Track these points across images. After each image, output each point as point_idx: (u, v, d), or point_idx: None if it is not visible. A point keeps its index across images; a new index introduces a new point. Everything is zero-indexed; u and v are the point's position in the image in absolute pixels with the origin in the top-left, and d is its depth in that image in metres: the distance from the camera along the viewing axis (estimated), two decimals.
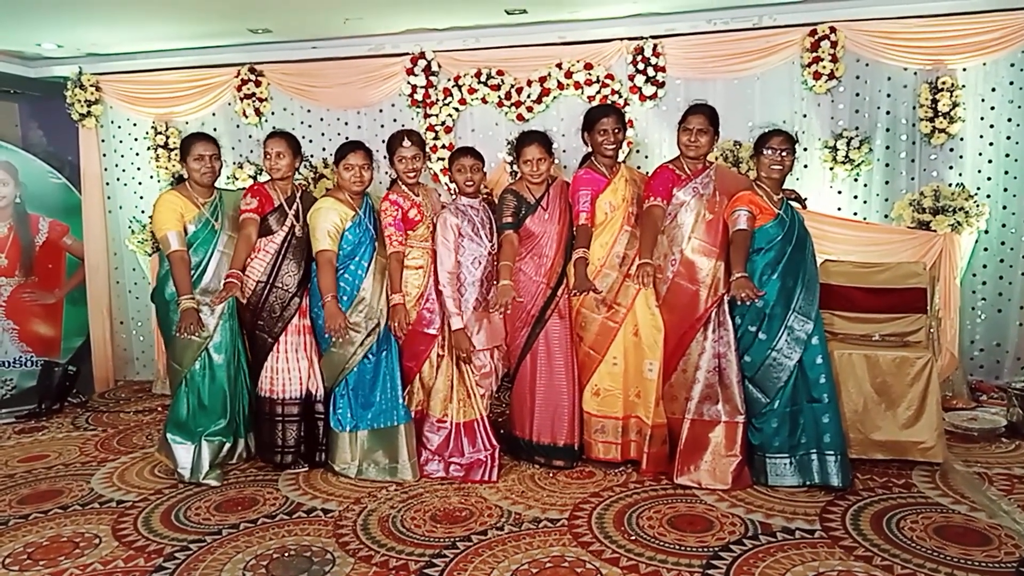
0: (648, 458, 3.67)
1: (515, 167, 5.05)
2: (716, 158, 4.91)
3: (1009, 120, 4.79)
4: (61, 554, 3.05)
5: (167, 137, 5.78)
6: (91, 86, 5.78)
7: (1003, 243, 4.88)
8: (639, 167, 4.95)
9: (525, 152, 3.79)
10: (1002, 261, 4.90)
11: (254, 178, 5.56)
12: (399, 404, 3.74)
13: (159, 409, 5.24)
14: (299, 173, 5.42)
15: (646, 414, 3.68)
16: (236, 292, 3.63)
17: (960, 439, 4.08)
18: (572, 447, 3.80)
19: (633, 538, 3.03)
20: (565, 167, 5.13)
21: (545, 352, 3.80)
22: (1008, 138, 4.80)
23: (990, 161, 4.84)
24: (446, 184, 5.32)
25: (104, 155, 5.99)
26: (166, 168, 5.82)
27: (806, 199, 3.97)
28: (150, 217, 5.67)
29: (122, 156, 6.01)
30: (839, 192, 5.02)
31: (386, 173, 5.28)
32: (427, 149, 4.57)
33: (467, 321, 3.74)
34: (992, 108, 4.80)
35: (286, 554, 2.99)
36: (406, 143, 3.78)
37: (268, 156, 3.86)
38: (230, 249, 3.78)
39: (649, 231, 3.57)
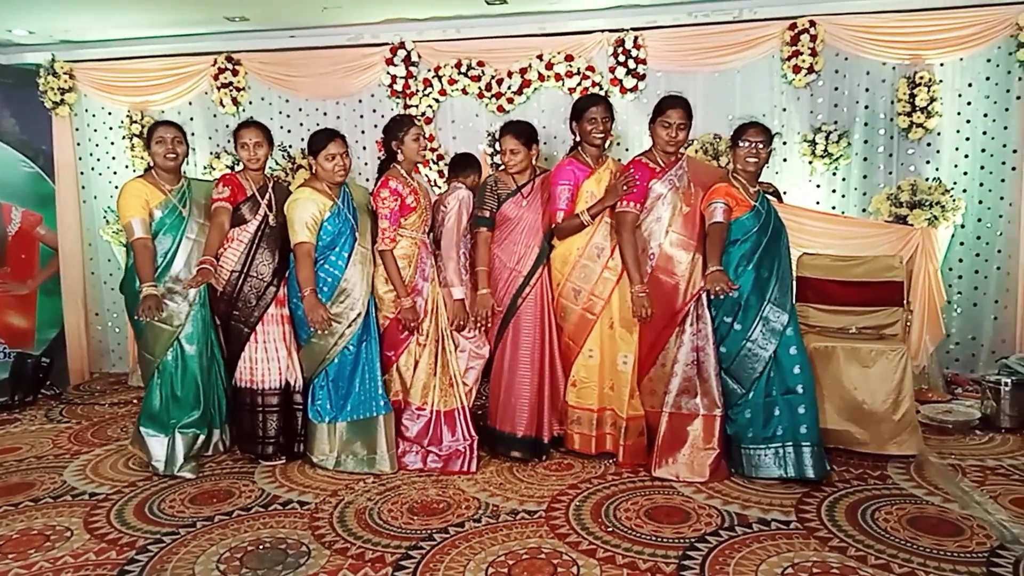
0: (624, 451, 3.67)
1: (496, 158, 5.06)
2: (696, 151, 4.92)
3: (985, 115, 4.84)
4: (31, 547, 2.99)
5: (142, 126, 5.71)
6: (64, 74, 5.70)
7: (979, 237, 4.93)
8: (619, 159, 4.94)
9: (501, 142, 3.83)
10: (978, 255, 4.95)
11: (231, 168, 5.51)
12: (378, 395, 3.72)
13: (135, 401, 5.18)
14: (276, 163, 5.40)
15: (620, 407, 3.68)
16: (210, 278, 3.60)
17: (935, 431, 4.13)
18: (530, 440, 3.77)
19: (610, 529, 3.03)
20: (546, 159, 5.11)
21: (513, 341, 3.79)
22: (984, 133, 4.85)
23: (966, 156, 4.89)
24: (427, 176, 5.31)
25: (78, 144, 5.91)
26: (141, 158, 5.74)
27: (785, 192, 3.99)
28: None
29: (97, 145, 5.93)
30: (818, 186, 5.05)
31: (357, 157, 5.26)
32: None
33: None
34: (968, 103, 4.85)
35: (261, 547, 2.96)
36: (417, 122, 3.83)
37: (245, 147, 3.80)
38: (201, 237, 3.74)
39: (630, 246, 3.53)
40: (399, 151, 3.76)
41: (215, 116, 5.74)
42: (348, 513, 3.25)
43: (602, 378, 3.73)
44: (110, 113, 5.88)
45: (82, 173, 5.92)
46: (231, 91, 5.61)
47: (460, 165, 4.20)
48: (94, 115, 5.90)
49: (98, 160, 5.94)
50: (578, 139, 3.81)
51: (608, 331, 3.70)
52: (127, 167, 5.86)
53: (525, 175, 3.84)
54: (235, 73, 5.60)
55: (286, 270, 3.79)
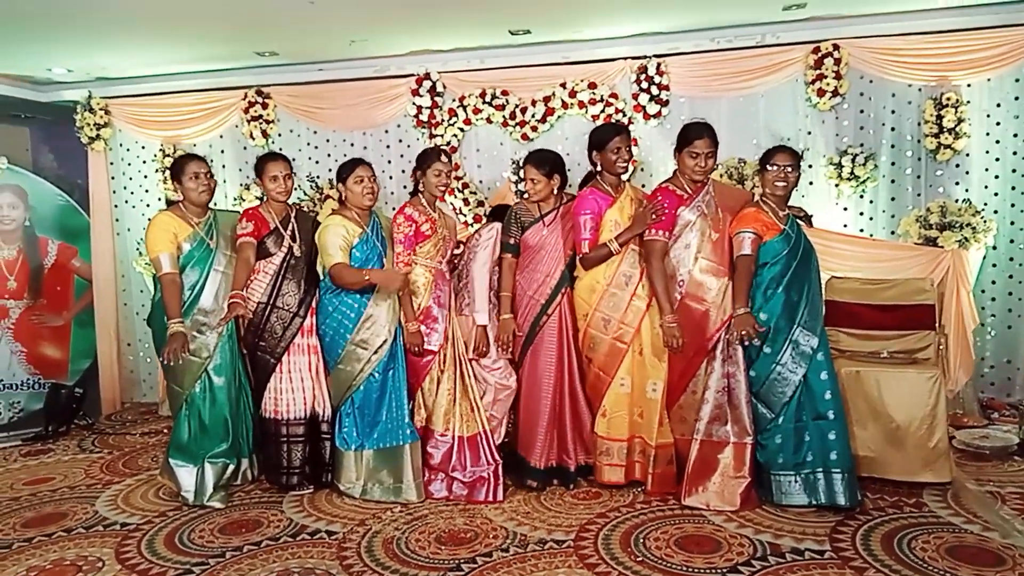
0: (653, 479, 3.64)
1: (520, 185, 5.09)
2: (721, 176, 4.91)
3: (1015, 135, 4.77)
4: None
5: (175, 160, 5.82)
6: (100, 110, 5.84)
7: (1012, 259, 4.84)
8: (643, 185, 4.94)
9: (524, 171, 3.87)
10: (1011, 277, 4.86)
11: (261, 199, 5.59)
12: (405, 423, 3.74)
13: (165, 431, 5.22)
14: (304, 194, 5.48)
15: (649, 435, 3.65)
16: (241, 311, 3.64)
17: (971, 457, 4.03)
18: (545, 470, 3.77)
19: (640, 559, 2.99)
20: (570, 186, 5.12)
21: (530, 369, 3.80)
22: (1014, 153, 4.78)
23: (997, 176, 4.82)
24: (452, 204, 5.36)
25: (113, 178, 6.04)
26: (174, 190, 5.84)
27: (812, 216, 3.96)
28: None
29: (130, 179, 6.06)
30: (845, 209, 5.00)
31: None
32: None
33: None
34: (998, 124, 4.79)
35: None
36: (444, 158, 3.84)
37: (275, 179, 3.85)
38: (228, 269, 3.79)
39: (659, 275, 3.53)
40: (421, 183, 3.82)
41: (245, 148, 5.84)
42: (376, 543, 3.25)
43: (632, 406, 3.70)
44: (143, 147, 6.00)
45: (116, 206, 6.04)
46: (261, 124, 5.71)
47: (499, 216, 4.22)
48: (128, 149, 6.03)
49: (131, 193, 6.06)
50: (598, 168, 3.80)
51: (638, 359, 3.68)
52: (160, 200, 5.96)
53: (549, 203, 3.86)
54: (265, 106, 5.70)
55: (312, 300, 3.84)
